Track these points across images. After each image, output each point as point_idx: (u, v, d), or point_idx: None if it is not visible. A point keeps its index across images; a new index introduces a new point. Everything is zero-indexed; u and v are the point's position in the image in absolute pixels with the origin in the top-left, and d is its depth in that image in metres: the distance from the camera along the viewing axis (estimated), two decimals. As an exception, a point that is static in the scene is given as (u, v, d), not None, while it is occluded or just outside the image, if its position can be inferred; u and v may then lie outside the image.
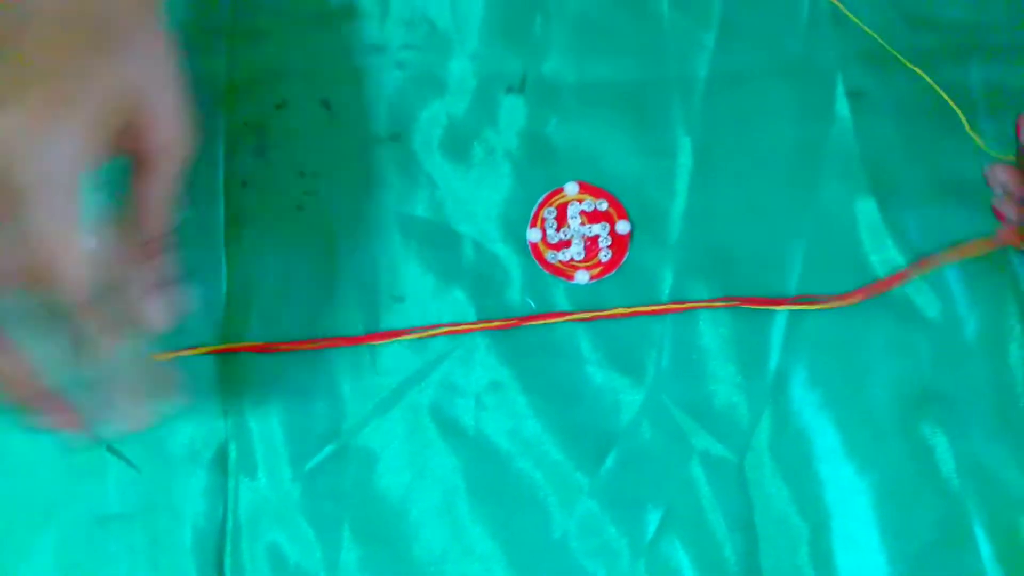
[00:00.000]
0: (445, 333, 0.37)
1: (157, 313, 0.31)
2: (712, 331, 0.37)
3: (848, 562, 0.34)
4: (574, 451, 0.36)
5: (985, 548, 0.34)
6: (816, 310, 0.37)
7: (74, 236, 0.28)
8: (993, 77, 0.39)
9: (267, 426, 0.37)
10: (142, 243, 0.31)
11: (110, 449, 0.36)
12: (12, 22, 0.28)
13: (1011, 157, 0.37)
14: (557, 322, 0.37)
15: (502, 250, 0.38)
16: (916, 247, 0.37)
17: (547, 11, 0.41)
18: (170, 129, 0.31)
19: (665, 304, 0.37)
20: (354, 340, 0.37)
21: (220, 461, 0.36)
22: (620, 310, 0.37)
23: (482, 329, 0.37)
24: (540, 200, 0.39)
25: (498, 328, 0.37)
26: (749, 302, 0.37)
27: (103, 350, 0.30)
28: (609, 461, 0.36)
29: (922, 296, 0.37)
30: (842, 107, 0.39)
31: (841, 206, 0.38)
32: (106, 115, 0.28)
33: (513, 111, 0.40)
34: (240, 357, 0.37)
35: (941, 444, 0.36)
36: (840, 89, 0.39)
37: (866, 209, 0.38)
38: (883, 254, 0.38)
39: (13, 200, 0.27)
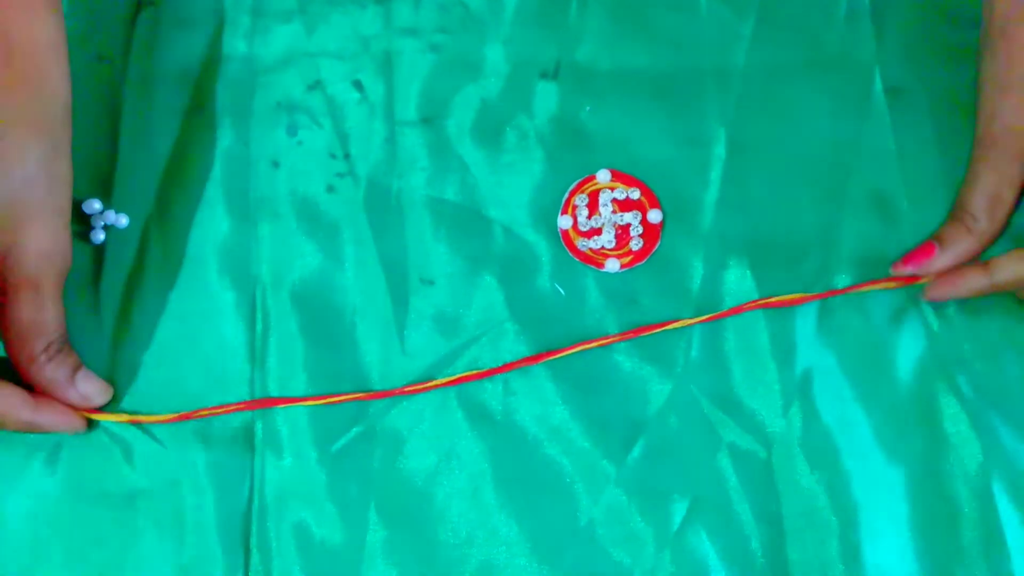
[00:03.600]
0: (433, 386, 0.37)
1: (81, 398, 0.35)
2: (741, 323, 0.37)
3: (877, 557, 0.34)
4: (601, 439, 0.36)
5: (1013, 543, 0.34)
6: (845, 305, 0.37)
7: None
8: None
9: (294, 406, 0.37)
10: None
11: (136, 424, 0.36)
12: None
13: None
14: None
15: (532, 236, 0.38)
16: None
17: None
18: (34, 255, 0.33)
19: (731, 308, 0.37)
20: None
21: (247, 439, 0.36)
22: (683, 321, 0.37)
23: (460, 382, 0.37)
24: (572, 187, 0.39)
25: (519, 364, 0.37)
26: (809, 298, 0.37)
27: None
28: (636, 450, 0.36)
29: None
30: (879, 103, 0.39)
31: (874, 201, 0.38)
32: None
33: (546, 97, 0.40)
34: (269, 338, 0.37)
35: (970, 440, 0.35)
36: (878, 85, 0.39)
37: (899, 205, 0.38)
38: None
39: None
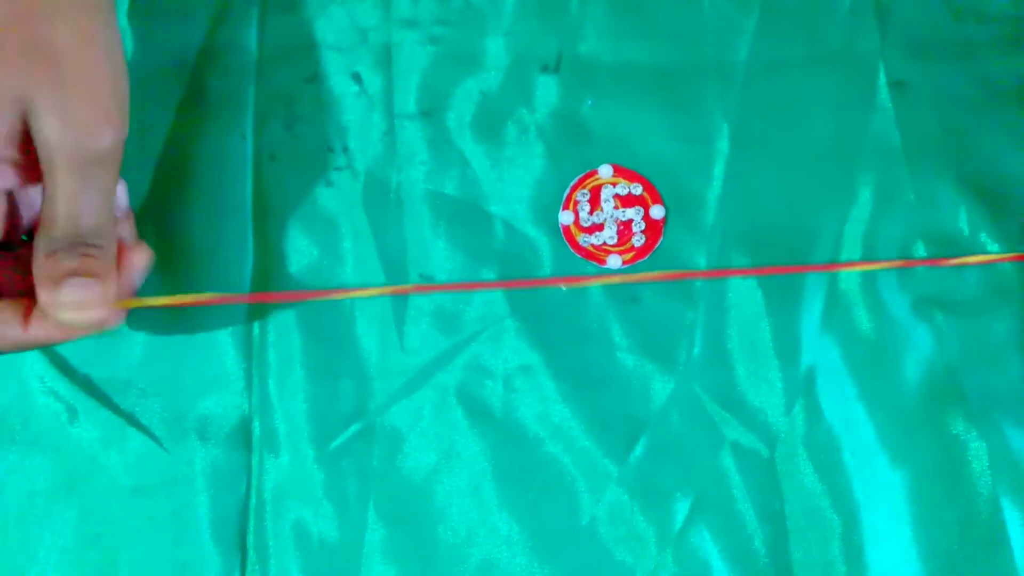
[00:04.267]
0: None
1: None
2: (744, 321, 0.37)
3: (879, 557, 0.34)
4: (603, 438, 0.36)
5: (1018, 545, 0.34)
6: (845, 304, 0.37)
7: None
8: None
9: (292, 403, 0.36)
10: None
11: (132, 422, 0.36)
12: None
13: None
14: (579, 286, 0.37)
15: (533, 232, 0.38)
16: (955, 239, 0.37)
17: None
18: (68, 124, 0.29)
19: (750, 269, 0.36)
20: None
21: (244, 437, 0.36)
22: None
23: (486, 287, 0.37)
24: (573, 182, 0.38)
25: (504, 287, 0.37)
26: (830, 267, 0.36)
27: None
28: (638, 449, 0.36)
29: (951, 292, 0.37)
30: (883, 97, 0.39)
31: (880, 195, 0.38)
32: None
33: (547, 91, 0.39)
34: (267, 335, 0.37)
35: (973, 440, 0.35)
36: (882, 79, 0.39)
37: (905, 200, 0.38)
38: (921, 246, 0.37)
39: None
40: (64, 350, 0.37)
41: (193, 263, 0.38)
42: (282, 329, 0.37)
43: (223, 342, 0.37)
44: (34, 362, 0.36)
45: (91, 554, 0.35)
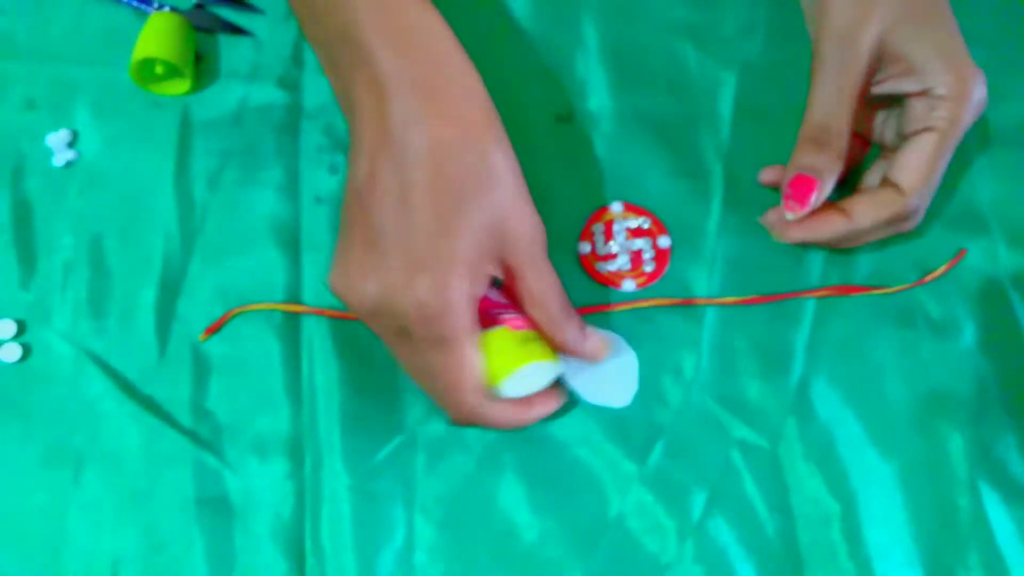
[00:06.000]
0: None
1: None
2: (744, 336, 0.41)
3: (877, 537, 0.38)
4: (623, 443, 0.40)
5: (996, 521, 0.39)
6: (835, 318, 0.42)
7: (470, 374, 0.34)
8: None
9: (339, 419, 0.40)
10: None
11: (192, 437, 0.39)
12: (358, 203, 0.34)
13: None
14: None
15: (555, 261, 0.42)
16: (923, 263, 0.43)
17: (587, 52, 0.46)
18: (527, 239, 0.35)
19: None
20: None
21: (296, 451, 0.39)
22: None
23: None
24: (588, 217, 0.43)
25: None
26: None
27: None
28: (656, 450, 0.40)
29: (924, 305, 0.42)
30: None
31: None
32: (481, 249, 0.33)
33: (563, 137, 0.44)
34: (314, 357, 0.40)
35: (952, 437, 0.40)
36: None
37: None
38: (895, 268, 0.43)
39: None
40: (127, 371, 0.40)
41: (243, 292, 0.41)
42: (327, 352, 0.41)
43: (275, 364, 0.40)
44: (99, 382, 0.39)
45: (158, 560, 0.37)
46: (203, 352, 0.40)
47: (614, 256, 0.42)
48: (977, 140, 0.45)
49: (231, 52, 0.45)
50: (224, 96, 0.44)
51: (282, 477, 0.39)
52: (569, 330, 0.36)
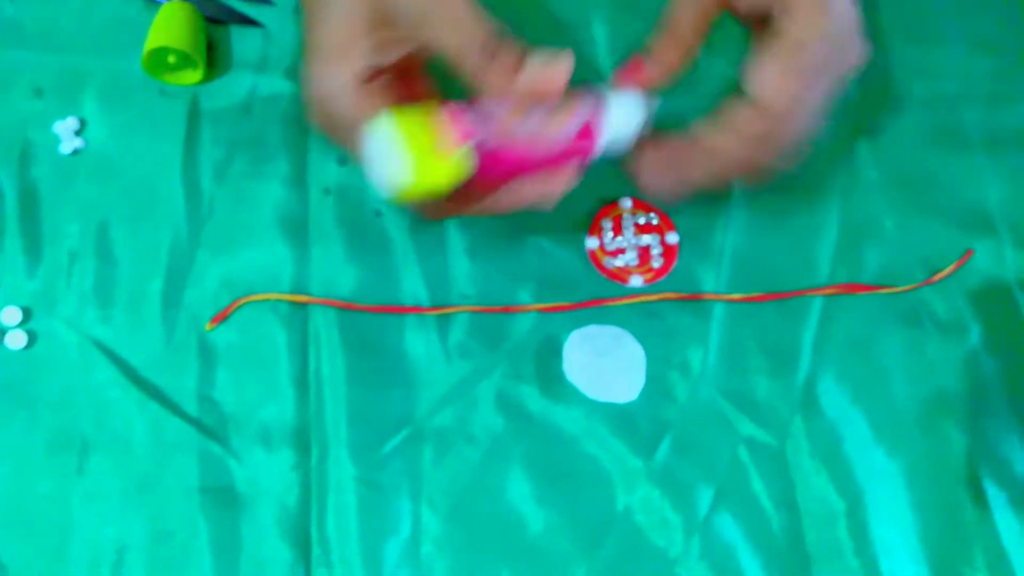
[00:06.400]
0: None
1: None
2: (752, 332, 0.41)
3: (883, 535, 0.38)
4: (631, 438, 0.40)
5: (1000, 518, 0.39)
6: (843, 316, 0.42)
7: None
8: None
9: (346, 411, 0.39)
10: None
11: (198, 426, 0.39)
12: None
13: None
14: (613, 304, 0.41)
15: (563, 255, 0.42)
16: (930, 263, 0.43)
17: (596, 47, 0.46)
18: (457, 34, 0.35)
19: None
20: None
21: (303, 441, 0.39)
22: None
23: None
24: (597, 212, 0.43)
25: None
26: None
27: None
28: (663, 447, 0.40)
29: (931, 305, 0.42)
30: (862, 144, 0.45)
31: (867, 220, 0.43)
32: (352, 30, 0.34)
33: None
34: (320, 350, 0.40)
35: (956, 435, 0.40)
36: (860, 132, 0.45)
37: (884, 225, 0.43)
38: (902, 267, 0.43)
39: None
40: (133, 360, 0.40)
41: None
42: (333, 343, 0.40)
43: (282, 355, 0.40)
44: (105, 370, 0.39)
45: (164, 550, 0.37)
46: (209, 341, 0.40)
47: (622, 251, 0.43)
48: (984, 142, 0.45)
49: (240, 42, 0.45)
50: (233, 86, 0.44)
51: (288, 467, 0.39)
52: (491, 72, 0.34)
